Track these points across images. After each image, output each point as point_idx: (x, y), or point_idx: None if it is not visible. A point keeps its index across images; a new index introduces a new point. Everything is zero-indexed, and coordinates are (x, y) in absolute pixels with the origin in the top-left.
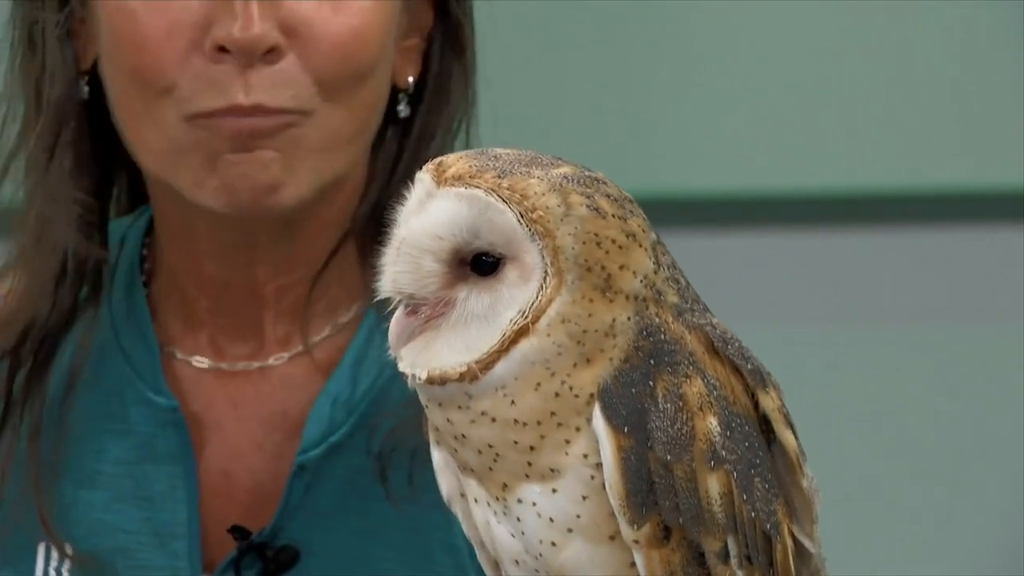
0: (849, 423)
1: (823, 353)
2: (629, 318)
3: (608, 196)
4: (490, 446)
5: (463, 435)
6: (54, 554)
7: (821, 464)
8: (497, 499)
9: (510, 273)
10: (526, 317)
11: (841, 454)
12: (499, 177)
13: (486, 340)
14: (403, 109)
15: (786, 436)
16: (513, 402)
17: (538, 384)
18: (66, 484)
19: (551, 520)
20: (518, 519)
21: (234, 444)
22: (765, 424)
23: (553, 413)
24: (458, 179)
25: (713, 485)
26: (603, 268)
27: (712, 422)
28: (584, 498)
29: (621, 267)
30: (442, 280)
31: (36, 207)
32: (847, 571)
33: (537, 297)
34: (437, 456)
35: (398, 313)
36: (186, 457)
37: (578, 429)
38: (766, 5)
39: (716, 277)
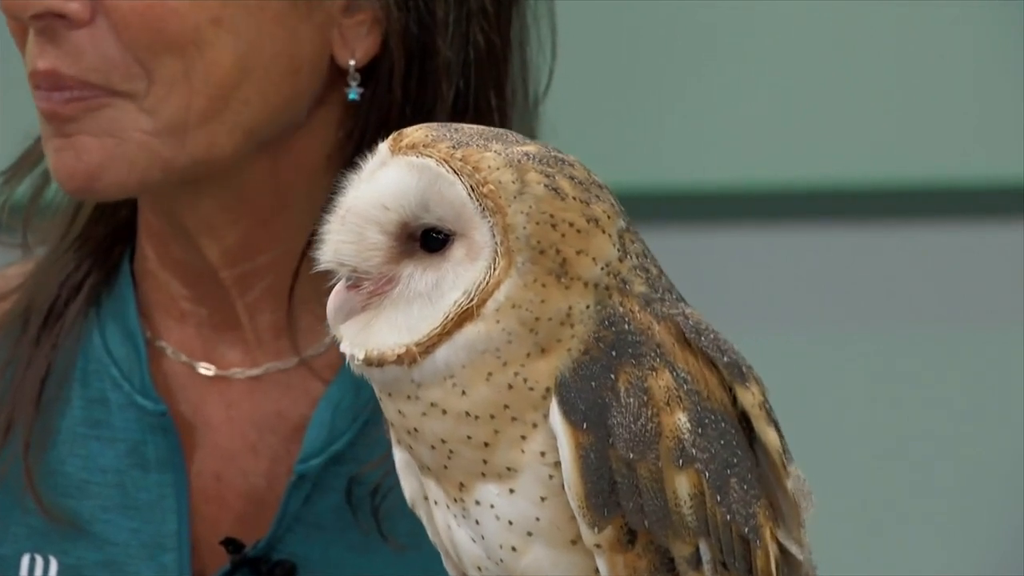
0: (847, 423)
1: (820, 350)
2: (588, 307)
3: (572, 178)
4: (443, 441)
5: (415, 429)
6: (38, 566)
7: (820, 465)
8: (455, 500)
9: (457, 251)
10: (471, 299)
11: (841, 454)
12: (453, 148)
13: (428, 322)
14: (348, 91)
15: (768, 434)
16: (464, 393)
17: (489, 374)
18: (54, 495)
19: (510, 523)
20: (477, 522)
21: (227, 446)
22: (746, 421)
23: (507, 406)
24: (412, 147)
25: (682, 485)
26: (558, 252)
27: (681, 418)
28: (543, 499)
29: (579, 252)
30: (387, 254)
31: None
32: (847, 571)
33: (485, 278)
34: (399, 456)
35: (338, 286)
36: (176, 464)
37: (535, 425)
38: (769, 4)
39: (704, 273)
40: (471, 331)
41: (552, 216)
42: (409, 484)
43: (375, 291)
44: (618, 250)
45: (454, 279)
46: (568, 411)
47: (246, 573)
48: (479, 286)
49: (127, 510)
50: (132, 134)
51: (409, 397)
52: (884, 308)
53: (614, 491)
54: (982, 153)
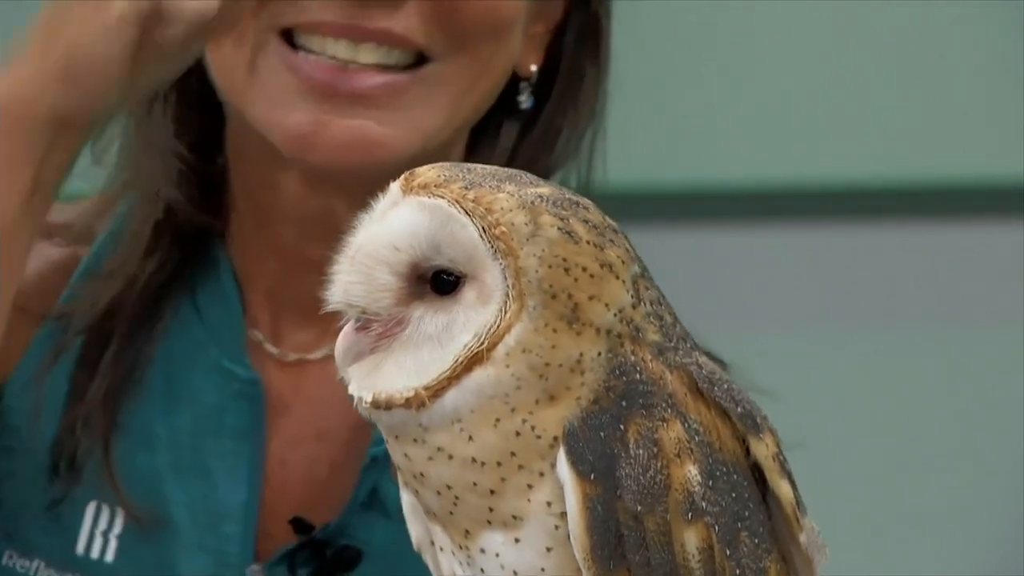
0: (847, 422)
1: (820, 350)
2: (600, 354)
3: (586, 222)
4: (448, 487)
5: (421, 474)
6: (103, 516)
7: (820, 464)
8: (461, 548)
9: (469, 294)
10: (481, 343)
11: (840, 454)
12: (466, 188)
13: (437, 365)
14: (524, 99)
15: (781, 487)
16: (471, 438)
17: (497, 420)
18: (124, 446)
19: (515, 573)
20: (482, 570)
21: (293, 430)
22: (759, 473)
23: (513, 454)
24: (423, 188)
25: (690, 539)
26: (570, 296)
27: (691, 470)
28: (548, 550)
29: (591, 297)
30: (397, 296)
31: (136, 154)
32: (847, 571)
33: (495, 322)
34: (405, 499)
35: (347, 328)
36: (257, 435)
37: (542, 474)
38: (770, 4)
39: (704, 274)
40: (480, 375)
41: (565, 260)
42: (415, 529)
43: (384, 333)
44: (632, 296)
45: (464, 322)
46: (576, 461)
47: (308, 555)
48: (490, 329)
49: (196, 474)
50: (422, 111)
51: (416, 440)
52: (884, 308)
53: (620, 544)
54: (982, 153)
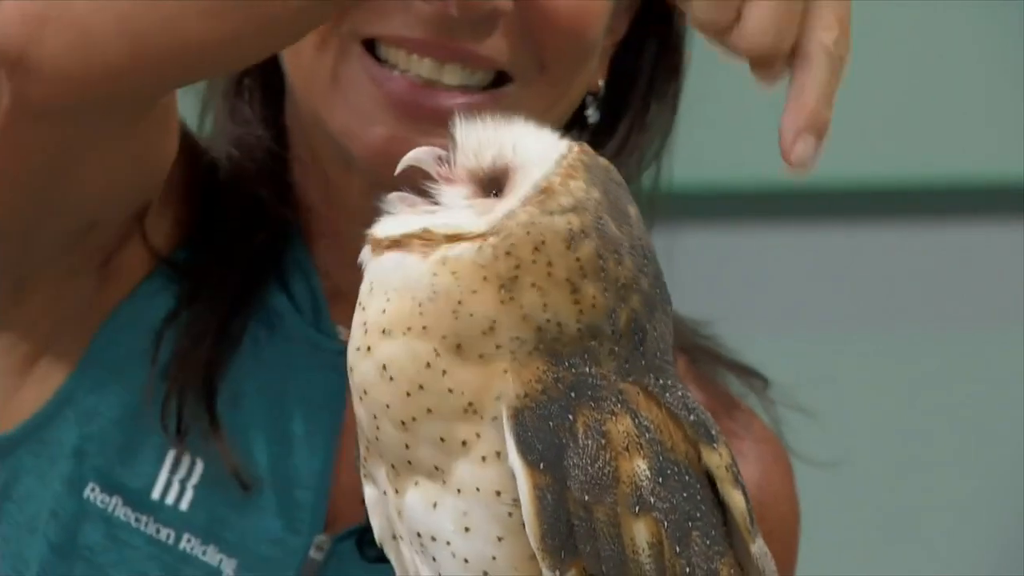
0: (846, 423)
1: (820, 350)
2: (522, 342)
3: (600, 258)
4: (366, 392)
5: (351, 368)
6: (183, 463)
7: (819, 464)
8: (396, 492)
9: (486, 203)
10: (440, 230)
11: (839, 454)
12: (585, 167)
13: (409, 224)
14: (591, 113)
15: (734, 497)
16: (384, 331)
17: (408, 328)
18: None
19: (466, 561)
20: (434, 559)
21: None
22: (711, 483)
23: (422, 387)
24: (582, 150)
25: (640, 532)
26: (517, 267)
27: (640, 465)
28: (500, 539)
29: (533, 284)
30: (474, 171)
31: (224, 144)
32: (846, 571)
33: (463, 226)
34: (368, 492)
35: (438, 149)
36: (337, 407)
37: (464, 443)
38: None
39: (706, 273)
40: (414, 259)
41: (543, 244)
42: (378, 522)
43: (440, 177)
44: (577, 325)
45: (457, 213)
46: (525, 451)
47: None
48: (454, 226)
49: (277, 436)
50: None
51: (362, 306)
52: (884, 308)
53: (572, 534)
54: (982, 152)
